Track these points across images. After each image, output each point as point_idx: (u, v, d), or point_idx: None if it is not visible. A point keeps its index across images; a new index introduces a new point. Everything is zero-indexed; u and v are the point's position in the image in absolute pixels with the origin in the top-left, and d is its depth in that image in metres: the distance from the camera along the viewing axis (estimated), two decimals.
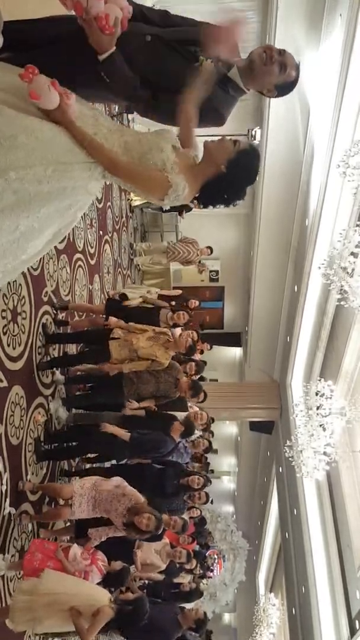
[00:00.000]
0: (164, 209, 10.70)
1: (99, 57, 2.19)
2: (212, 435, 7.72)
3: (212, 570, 11.47)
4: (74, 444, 4.99)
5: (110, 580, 4.18)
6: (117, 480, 4.36)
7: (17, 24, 2.61)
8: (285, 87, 2.50)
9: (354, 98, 6.51)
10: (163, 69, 2.39)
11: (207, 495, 6.00)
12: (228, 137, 2.22)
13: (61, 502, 4.60)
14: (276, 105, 8.38)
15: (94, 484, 4.25)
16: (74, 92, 2.27)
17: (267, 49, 2.42)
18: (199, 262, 10.84)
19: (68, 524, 4.81)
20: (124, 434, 4.74)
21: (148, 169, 2.10)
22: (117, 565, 4.25)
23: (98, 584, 4.05)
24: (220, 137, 2.22)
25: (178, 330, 5.92)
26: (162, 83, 2.39)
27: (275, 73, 2.42)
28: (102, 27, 2.07)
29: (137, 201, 10.21)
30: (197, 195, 2.26)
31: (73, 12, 2.14)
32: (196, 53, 2.45)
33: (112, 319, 5.22)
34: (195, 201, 2.31)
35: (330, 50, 6.93)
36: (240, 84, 2.51)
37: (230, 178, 2.18)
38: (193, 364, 5.48)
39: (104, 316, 5.73)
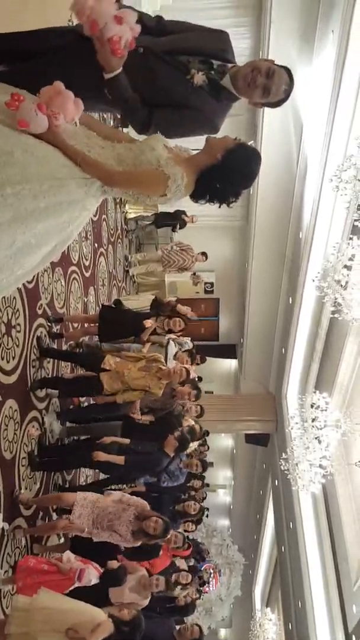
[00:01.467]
0: (158, 224, 10.73)
1: (105, 75, 2.21)
2: (207, 449, 7.69)
3: (208, 584, 11.36)
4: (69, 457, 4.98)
5: (107, 579, 4.14)
6: (117, 494, 4.35)
7: (14, 36, 2.63)
8: (270, 105, 2.50)
9: (346, 113, 6.59)
10: (155, 83, 2.39)
11: (201, 508, 5.98)
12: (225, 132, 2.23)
13: (55, 517, 4.57)
14: (270, 120, 8.47)
15: (96, 500, 4.23)
16: None
17: (255, 68, 2.38)
18: (194, 273, 10.85)
19: (62, 540, 4.76)
20: (118, 459, 4.75)
21: (143, 170, 2.12)
22: (114, 564, 4.18)
23: (95, 584, 4.02)
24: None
25: (173, 347, 5.92)
26: (154, 97, 2.40)
27: (257, 95, 2.40)
28: (114, 50, 2.09)
29: (132, 213, 10.25)
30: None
31: (76, 22, 2.15)
32: (188, 64, 2.45)
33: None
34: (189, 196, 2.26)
35: (322, 66, 7.02)
36: (233, 91, 2.50)
37: (224, 168, 2.15)
38: (193, 392, 5.44)
39: (97, 325, 5.73)
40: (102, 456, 4.68)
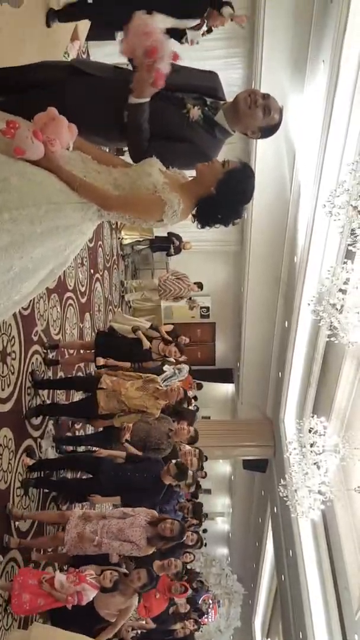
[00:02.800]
0: (153, 249, 10.80)
1: (132, 100, 2.28)
2: (205, 475, 7.61)
3: (206, 615, 11.09)
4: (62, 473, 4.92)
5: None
6: (120, 509, 4.29)
7: (10, 70, 2.68)
8: (269, 130, 2.57)
9: (338, 140, 6.69)
10: (153, 117, 2.44)
11: (199, 539, 5.89)
12: (218, 159, 2.26)
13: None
14: (263, 148, 8.59)
15: (98, 515, 4.15)
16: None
17: (252, 93, 2.49)
18: (190, 298, 10.88)
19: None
20: (119, 454, 4.74)
21: (140, 196, 2.14)
22: (108, 575, 4.02)
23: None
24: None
25: (169, 369, 5.89)
26: (152, 130, 2.45)
27: (259, 116, 2.48)
28: (156, 82, 2.18)
29: (127, 239, 10.32)
30: (194, 214, 2.28)
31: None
32: (183, 100, 2.51)
33: (100, 361, 5.19)
34: (194, 221, 2.31)
35: (314, 95, 7.16)
36: (227, 127, 2.57)
37: (221, 199, 2.19)
38: (185, 423, 5.38)
39: (94, 351, 5.70)
40: (104, 452, 4.66)
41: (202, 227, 2.31)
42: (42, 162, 2.02)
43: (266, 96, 2.48)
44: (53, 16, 4.45)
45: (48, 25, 4.42)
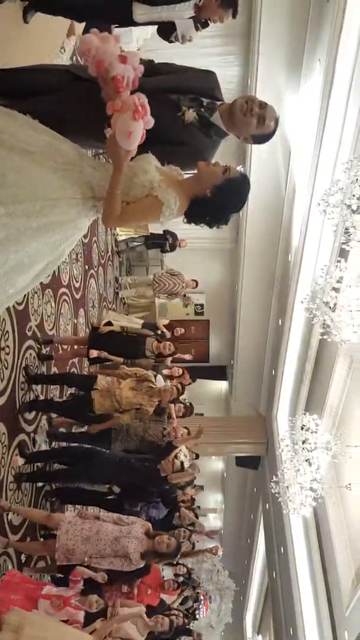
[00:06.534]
0: (148, 245, 10.81)
1: (108, 111, 2.27)
2: (198, 471, 7.62)
3: (198, 611, 11.13)
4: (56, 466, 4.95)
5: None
6: (113, 514, 4.26)
7: (12, 74, 2.69)
8: (262, 138, 2.61)
9: (333, 139, 6.73)
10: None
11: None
12: (220, 162, 2.28)
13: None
14: (259, 146, 8.60)
15: (92, 523, 4.07)
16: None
17: (249, 100, 2.53)
18: (184, 295, 10.90)
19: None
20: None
21: (136, 204, 2.15)
22: (94, 602, 3.96)
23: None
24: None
25: (160, 380, 5.92)
26: (148, 134, 2.47)
27: (253, 124, 2.52)
28: (117, 88, 2.16)
29: (122, 236, 10.31)
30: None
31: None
32: (179, 102, 2.53)
33: (93, 353, 5.24)
34: (182, 216, 2.34)
35: (309, 93, 7.19)
36: (223, 127, 2.60)
37: (213, 203, 2.23)
38: (181, 405, 5.42)
39: (87, 347, 5.72)
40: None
41: (188, 222, 2.35)
42: (122, 153, 2.04)
43: (263, 105, 2.51)
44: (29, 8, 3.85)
45: (25, 20, 3.91)
